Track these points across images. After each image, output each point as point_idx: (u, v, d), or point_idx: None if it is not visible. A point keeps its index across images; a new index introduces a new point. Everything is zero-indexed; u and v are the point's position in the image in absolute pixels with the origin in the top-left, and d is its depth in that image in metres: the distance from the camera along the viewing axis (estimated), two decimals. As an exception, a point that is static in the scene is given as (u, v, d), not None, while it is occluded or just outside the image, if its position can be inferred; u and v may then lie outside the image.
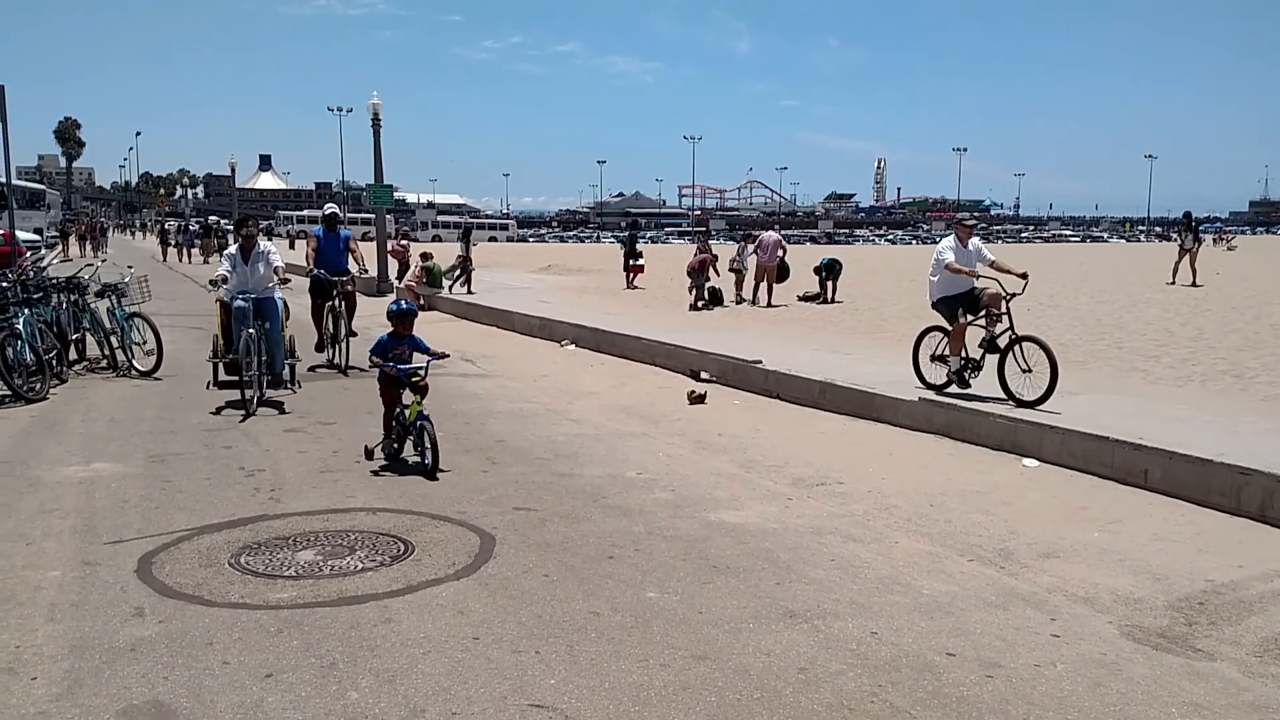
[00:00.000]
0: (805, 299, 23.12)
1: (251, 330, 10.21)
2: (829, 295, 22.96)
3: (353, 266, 13.73)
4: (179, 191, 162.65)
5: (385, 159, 26.77)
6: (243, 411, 9.81)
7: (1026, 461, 8.12)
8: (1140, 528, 6.44)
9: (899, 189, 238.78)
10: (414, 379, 7.67)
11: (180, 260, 44.35)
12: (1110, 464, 7.52)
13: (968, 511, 6.81)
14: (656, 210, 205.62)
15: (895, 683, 4.21)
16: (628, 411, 10.52)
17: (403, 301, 8.09)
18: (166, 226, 57.06)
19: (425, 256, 24.67)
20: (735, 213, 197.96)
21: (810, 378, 11.05)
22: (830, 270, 23.17)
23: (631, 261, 29.13)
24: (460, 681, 4.13)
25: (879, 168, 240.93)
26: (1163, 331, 15.88)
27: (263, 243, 11.05)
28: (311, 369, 12.81)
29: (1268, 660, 4.48)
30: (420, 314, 10.06)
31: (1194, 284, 25.51)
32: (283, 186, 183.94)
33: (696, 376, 12.57)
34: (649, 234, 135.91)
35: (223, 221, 64.30)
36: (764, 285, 22.34)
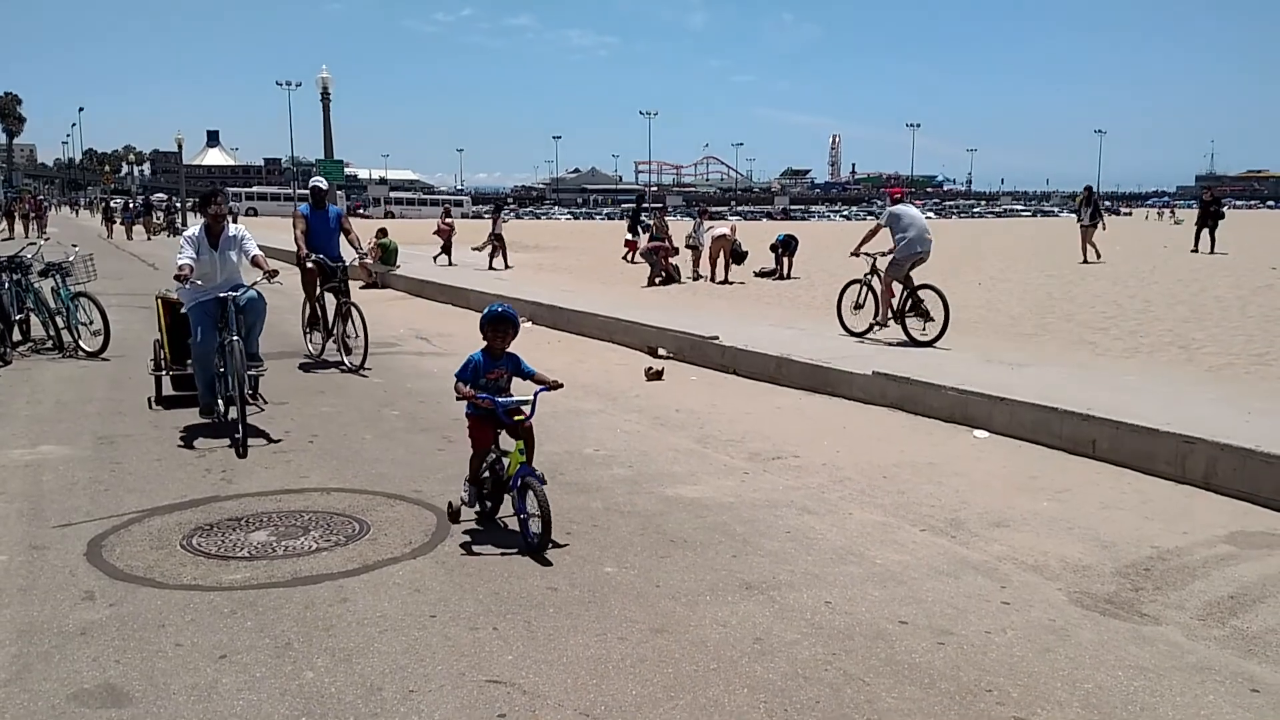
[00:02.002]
0: (762, 275, 23.20)
1: (236, 339, 7.86)
2: (785, 271, 23.07)
3: (347, 252, 12.01)
4: (124, 168, 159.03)
5: (335, 134, 26.53)
6: (226, 441, 7.78)
7: (977, 433, 8.25)
8: (1088, 496, 6.57)
9: (854, 165, 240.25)
10: (516, 418, 5.61)
11: (128, 238, 43.56)
12: (1059, 434, 7.66)
13: (920, 482, 6.91)
14: (613, 186, 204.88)
15: (849, 650, 4.27)
16: (585, 388, 10.51)
17: (498, 305, 5.84)
18: (112, 204, 55.90)
19: (381, 233, 24.44)
20: (692, 189, 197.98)
21: (767, 353, 11.11)
22: (786, 247, 23.27)
23: (630, 237, 28.97)
24: (417, 659, 4.12)
25: (834, 144, 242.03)
26: (1111, 304, 16.17)
27: (233, 225, 8.75)
28: (306, 367, 11.52)
29: (1210, 623, 4.61)
30: (373, 291, 9.94)
31: (1084, 261, 24.62)
32: (231, 163, 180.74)
33: (654, 353, 12.59)
34: (605, 210, 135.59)
35: (170, 199, 63.01)
36: (720, 262, 22.39)
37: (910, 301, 11.76)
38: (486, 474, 5.75)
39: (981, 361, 10.44)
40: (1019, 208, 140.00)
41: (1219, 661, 4.21)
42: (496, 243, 26.76)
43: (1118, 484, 6.84)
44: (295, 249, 11.86)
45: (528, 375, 5.79)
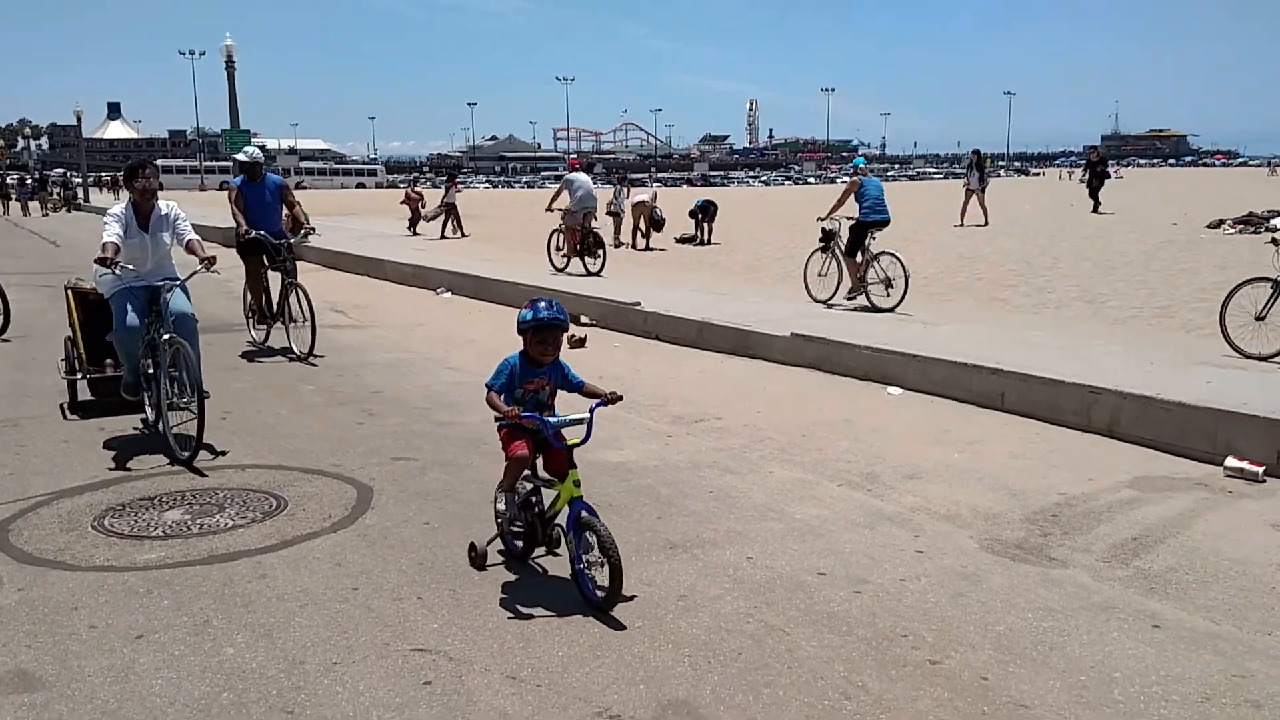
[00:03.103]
0: (682, 241, 23.30)
1: (179, 341, 6.70)
2: (705, 237, 23.20)
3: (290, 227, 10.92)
4: (20, 143, 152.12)
5: (242, 104, 25.90)
6: (137, 419, 7.41)
7: (891, 389, 8.44)
8: (998, 447, 6.79)
9: (771, 130, 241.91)
10: (570, 442, 4.46)
11: (24, 214, 41.81)
12: (969, 388, 7.88)
13: (837, 439, 7.05)
14: (531, 154, 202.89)
15: (770, 603, 4.36)
16: (507, 357, 10.46)
17: (543, 304, 4.54)
18: (9, 181, 53.64)
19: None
20: (611, 155, 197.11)
21: (688, 318, 11.19)
22: (705, 212, 23.39)
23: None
24: (340, 632, 4.09)
25: (751, 109, 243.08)
26: (1020, 262, 16.61)
27: (164, 202, 7.37)
28: (249, 355, 10.58)
29: (1114, 565, 4.81)
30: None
31: (985, 224, 24.59)
32: (134, 136, 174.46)
33: (577, 321, 12.54)
34: (525, 178, 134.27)
35: (67, 174, 60.53)
36: (641, 229, 22.39)
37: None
38: (530, 510, 4.61)
39: (895, 320, 10.67)
40: (931, 171, 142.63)
41: (1123, 601, 4.41)
42: (448, 211, 26.74)
43: (1026, 434, 7.08)
44: (234, 226, 10.78)
45: (576, 386, 4.61)
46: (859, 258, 12.08)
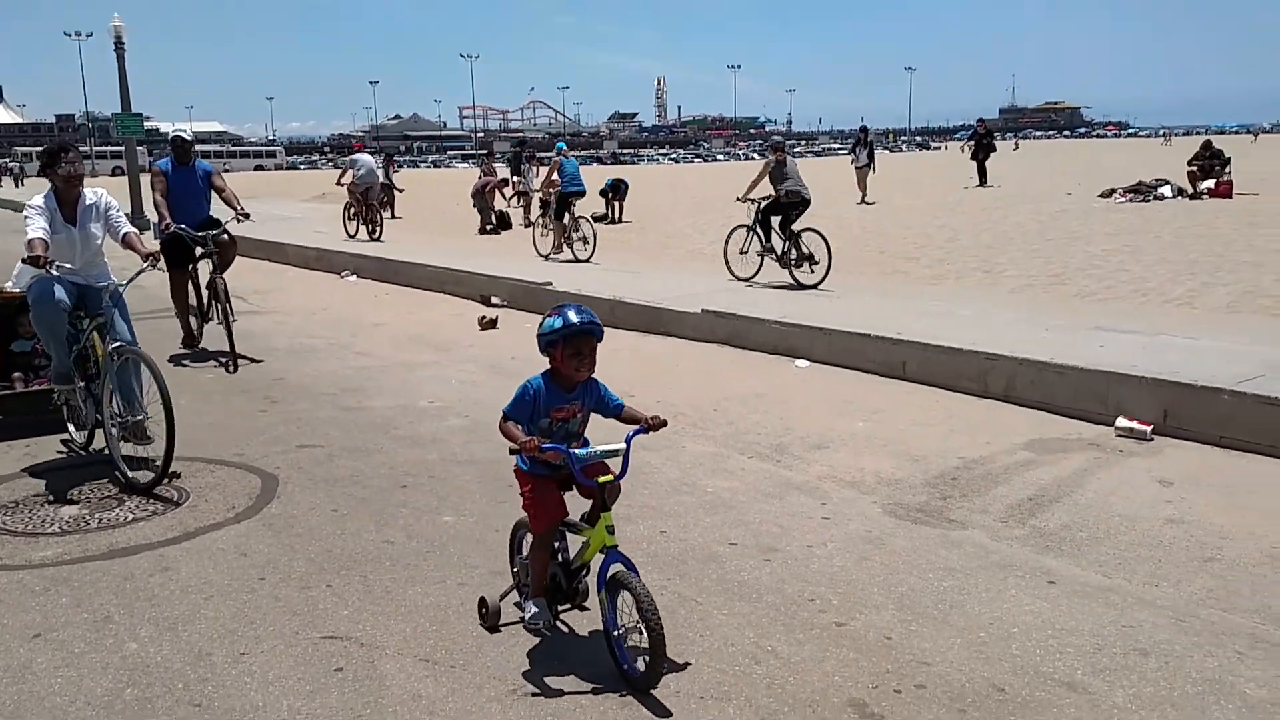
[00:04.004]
0: (593, 220, 23.25)
1: (132, 350, 5.93)
2: (616, 215, 23.18)
3: (225, 213, 9.57)
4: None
5: (134, 86, 24.67)
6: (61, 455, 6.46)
7: (799, 362, 8.60)
8: (900, 415, 6.97)
9: (679, 107, 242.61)
10: (599, 479, 3.61)
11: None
12: (873, 359, 8.08)
13: (748, 413, 7.16)
14: (437, 133, 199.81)
15: (683, 574, 4.43)
16: (417, 341, 10.33)
17: (572, 310, 3.63)
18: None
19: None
20: (519, 133, 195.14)
21: (600, 296, 11.18)
22: (616, 190, 23.37)
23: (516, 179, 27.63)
24: (247, 623, 4.02)
25: (659, 86, 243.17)
26: (921, 235, 17.01)
27: (91, 191, 6.40)
28: (176, 359, 9.43)
29: (1011, 524, 5.00)
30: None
31: (865, 201, 24.28)
32: (18, 120, 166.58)
33: (487, 302, 12.47)
34: (431, 157, 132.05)
35: None
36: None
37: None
38: (554, 563, 3.88)
39: (803, 295, 10.84)
40: (836, 146, 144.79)
41: (1019, 559, 4.58)
42: (386, 195, 26.46)
43: (927, 402, 7.29)
44: (158, 216, 9.48)
45: (615, 410, 3.79)
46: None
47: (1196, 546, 4.62)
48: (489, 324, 10.96)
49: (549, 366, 3.69)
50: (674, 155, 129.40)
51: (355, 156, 21.52)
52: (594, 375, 3.74)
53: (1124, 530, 4.85)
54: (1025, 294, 10.93)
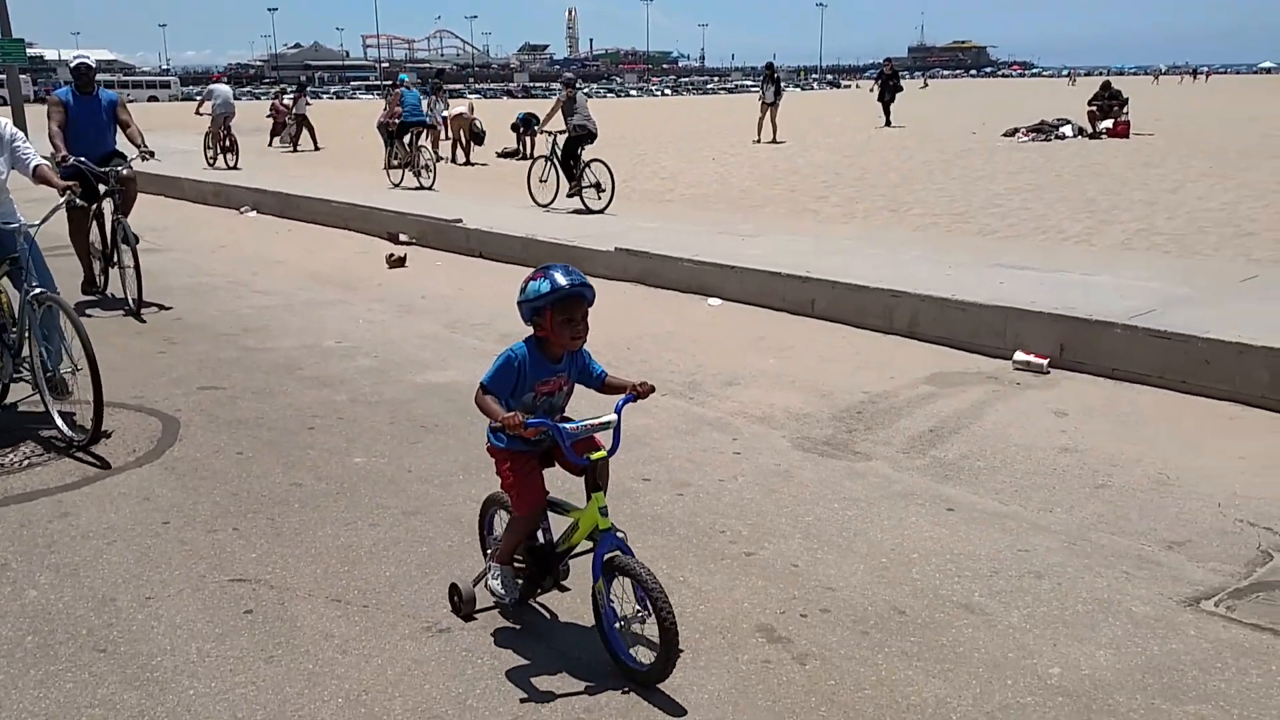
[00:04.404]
0: (505, 155, 22.87)
1: (52, 297, 5.42)
2: (528, 151, 22.84)
3: (128, 151, 8.90)
4: None
5: (12, 9, 23.19)
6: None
7: (711, 301, 8.66)
8: (808, 352, 7.10)
9: (591, 40, 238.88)
10: (591, 455, 3.22)
11: None
12: (783, 297, 8.18)
13: (661, 351, 7.20)
14: (340, 63, 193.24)
15: (596, 512, 4.47)
16: (322, 279, 10.10)
17: (559, 272, 3.18)
18: None
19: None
20: (426, 64, 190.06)
21: (512, 234, 11.06)
22: (527, 125, 22.97)
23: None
24: (152, 567, 3.93)
25: (570, 18, 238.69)
26: (831, 174, 17.18)
27: None
28: (81, 309, 8.53)
29: (913, 455, 5.15)
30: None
31: (775, 140, 24.17)
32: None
33: (395, 239, 12.22)
34: (334, 88, 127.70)
35: None
36: (461, 142, 21.83)
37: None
38: (537, 545, 3.54)
39: (716, 233, 10.88)
40: (749, 83, 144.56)
41: (920, 488, 4.74)
42: (299, 124, 25.96)
43: (834, 339, 7.43)
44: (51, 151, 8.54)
45: (598, 380, 3.41)
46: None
47: (1088, 474, 4.83)
48: (397, 262, 10.75)
49: (532, 335, 3.26)
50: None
51: (212, 87, 22.65)
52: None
53: (1020, 459, 5.04)
54: (930, 232, 11.16)
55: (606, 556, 3.17)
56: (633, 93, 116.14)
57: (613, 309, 8.61)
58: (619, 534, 3.22)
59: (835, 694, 3.11)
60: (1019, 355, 6.52)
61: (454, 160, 21.61)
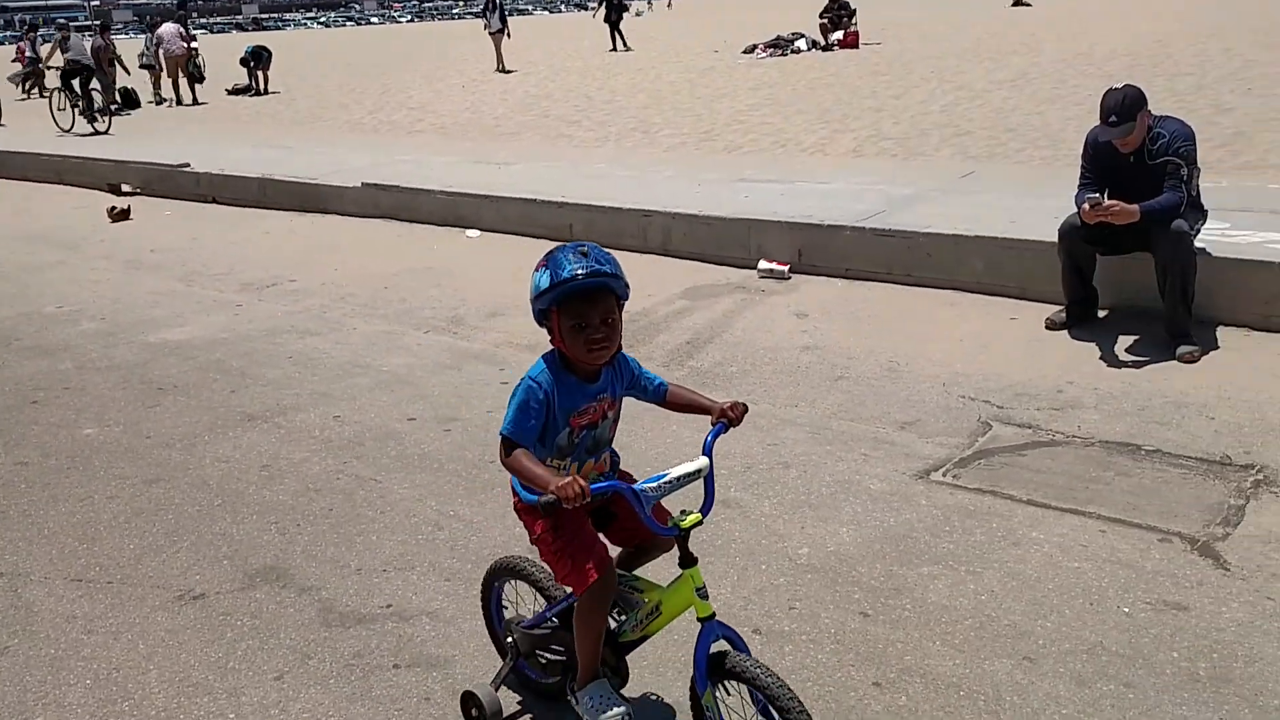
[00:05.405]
0: (234, 93, 21.42)
1: None
2: (260, 86, 21.47)
3: None
4: None
5: None
6: None
7: (470, 232, 8.53)
8: (569, 276, 7.13)
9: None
10: (684, 523, 2.28)
11: None
12: (542, 223, 8.15)
13: (421, 287, 7.05)
14: (43, 2, 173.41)
15: (359, 456, 4.37)
16: (37, 239, 9.18)
17: (569, 256, 2.32)
18: None
19: None
20: (144, 3, 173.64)
21: (247, 176, 10.43)
22: (258, 59, 21.56)
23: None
24: None
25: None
26: (582, 98, 17.16)
27: None
28: None
29: (673, 367, 5.32)
30: None
31: (502, 69, 23.06)
32: None
33: (117, 191, 11.25)
34: (41, 32, 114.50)
35: None
36: (182, 81, 20.21)
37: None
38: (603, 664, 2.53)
39: (470, 163, 10.67)
40: (474, 11, 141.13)
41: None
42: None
43: (594, 261, 7.49)
44: None
45: (657, 394, 2.59)
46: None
47: (828, 368, 5.16)
48: (120, 215, 9.91)
49: (551, 348, 2.42)
50: (323, 19, 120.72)
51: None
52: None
53: (768, 361, 5.32)
54: (680, 151, 11.40)
55: (713, 656, 2.28)
56: (374, 20, 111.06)
57: (365, 247, 8.34)
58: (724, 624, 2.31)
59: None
60: (762, 264, 6.82)
61: (177, 101, 20.02)
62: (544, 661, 2.69)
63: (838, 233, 6.61)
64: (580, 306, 2.27)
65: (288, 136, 13.97)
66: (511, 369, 5.40)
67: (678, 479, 2.25)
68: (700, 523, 2.27)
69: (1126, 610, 3.02)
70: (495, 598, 2.86)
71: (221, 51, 25.69)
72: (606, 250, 2.32)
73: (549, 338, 2.36)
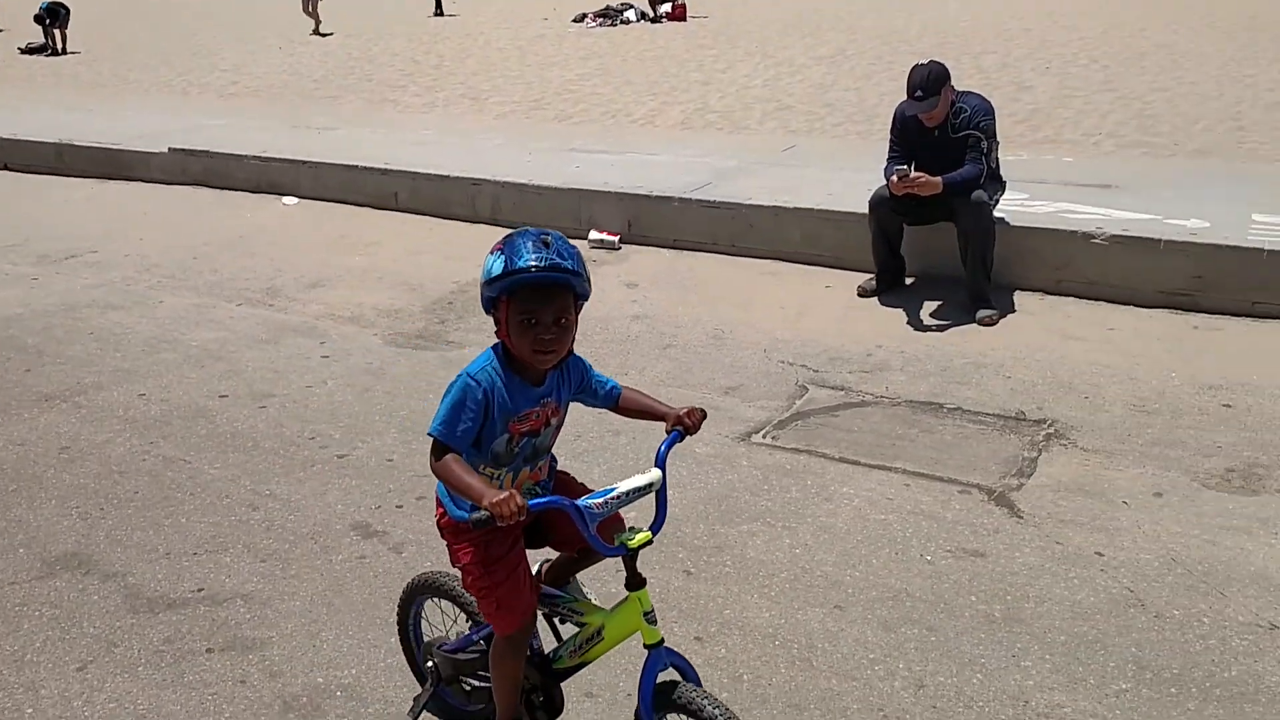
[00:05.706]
0: (28, 52, 19.83)
1: None
2: (58, 46, 19.94)
3: None
4: None
5: None
6: None
7: (286, 200, 8.20)
8: (395, 246, 6.98)
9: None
10: (631, 542, 2.09)
11: None
12: (364, 191, 7.92)
13: (234, 257, 6.74)
14: None
15: (167, 436, 4.16)
16: None
17: (527, 244, 2.05)
18: None
19: None
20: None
21: (42, 140, 9.69)
22: (54, 16, 19.98)
23: None
24: None
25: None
26: (409, 61, 16.71)
27: None
28: None
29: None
30: None
31: (318, 32, 22.28)
32: None
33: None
34: None
35: None
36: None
37: None
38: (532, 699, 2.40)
39: (288, 128, 10.22)
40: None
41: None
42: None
43: (420, 231, 7.36)
44: None
45: (610, 399, 2.45)
46: None
47: (657, 336, 5.25)
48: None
49: (496, 341, 2.19)
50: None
51: None
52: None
53: (599, 331, 5.36)
54: (510, 119, 11.27)
55: (660, 682, 2.13)
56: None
57: (172, 216, 7.92)
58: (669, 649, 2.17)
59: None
60: (593, 234, 6.85)
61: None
62: (468, 689, 2.46)
63: (666, 204, 6.70)
64: (532, 301, 2.05)
65: (89, 99, 13.05)
66: (333, 342, 5.25)
67: (626, 494, 2.07)
68: (650, 542, 2.09)
69: (929, 558, 3.23)
70: (414, 617, 2.62)
71: (13, 5, 23.62)
72: (571, 243, 2.10)
73: (495, 329, 2.14)
